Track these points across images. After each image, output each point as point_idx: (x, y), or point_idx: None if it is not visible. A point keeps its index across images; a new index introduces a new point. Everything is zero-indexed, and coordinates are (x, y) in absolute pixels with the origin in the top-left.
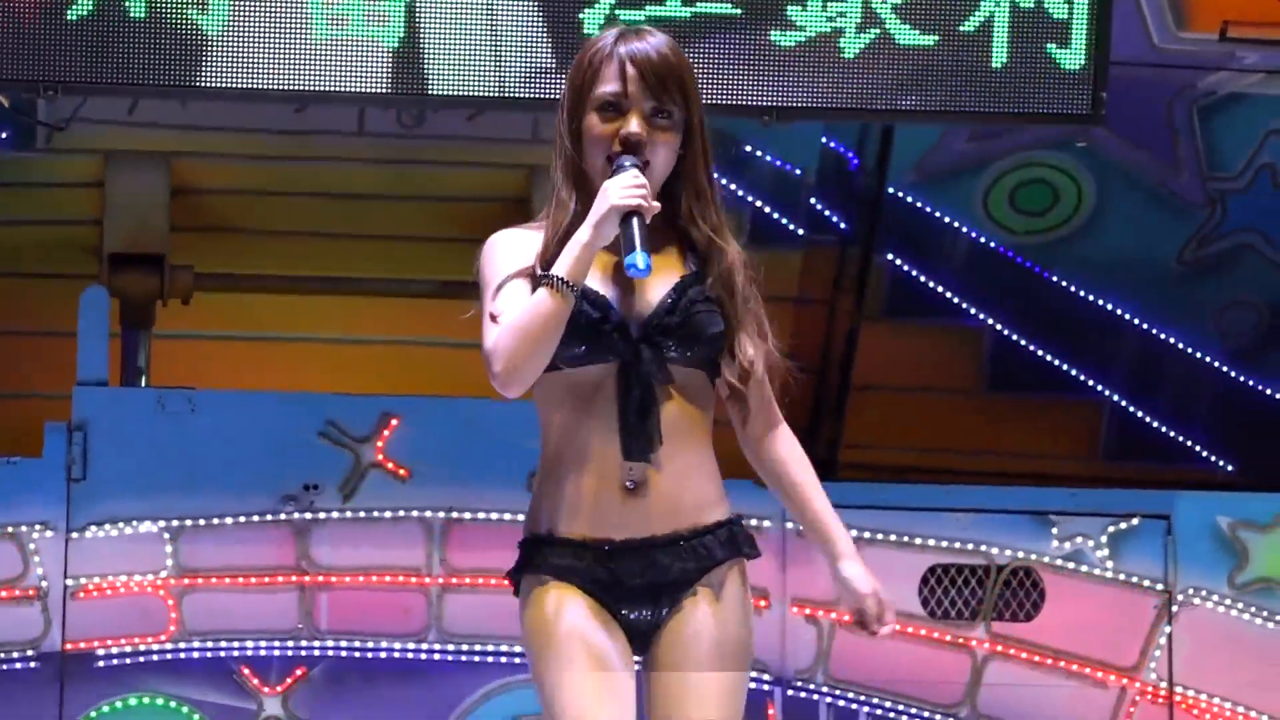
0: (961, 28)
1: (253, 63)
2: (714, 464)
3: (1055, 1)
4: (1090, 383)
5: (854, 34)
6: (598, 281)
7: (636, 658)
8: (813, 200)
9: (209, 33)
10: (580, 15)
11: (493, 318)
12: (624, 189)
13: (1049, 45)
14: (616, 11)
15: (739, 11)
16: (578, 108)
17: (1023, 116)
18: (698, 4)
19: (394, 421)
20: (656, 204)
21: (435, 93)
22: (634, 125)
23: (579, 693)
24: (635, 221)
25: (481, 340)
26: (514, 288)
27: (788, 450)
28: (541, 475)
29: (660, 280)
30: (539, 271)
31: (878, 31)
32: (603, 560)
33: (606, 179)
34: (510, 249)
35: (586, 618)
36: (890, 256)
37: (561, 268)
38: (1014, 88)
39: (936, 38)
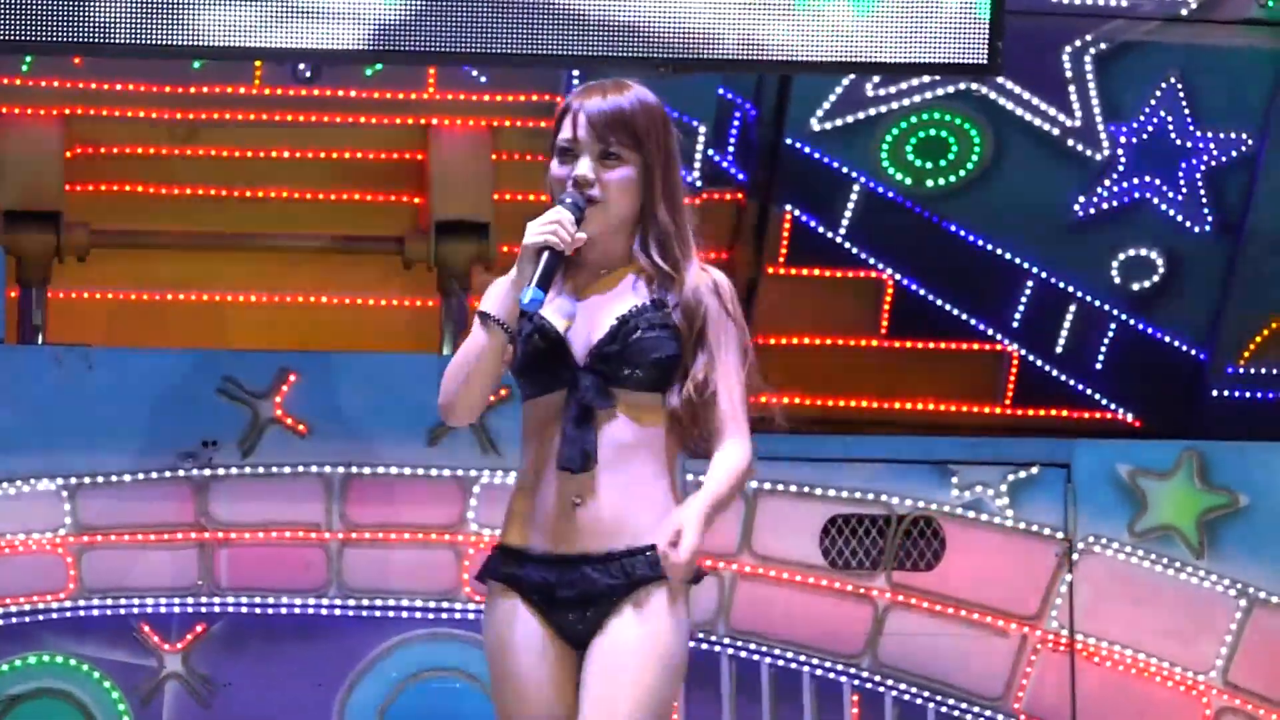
0: None
1: (151, 17)
2: (664, 484)
3: None
4: (990, 332)
5: None
6: (556, 313)
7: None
8: (710, 152)
9: None
10: None
11: None
12: (538, 225)
13: None
14: None
15: None
16: (549, 157)
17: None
18: None
19: (292, 377)
20: (581, 235)
21: (332, 47)
22: (580, 168)
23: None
24: (544, 257)
25: None
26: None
27: (717, 455)
28: (512, 492)
29: (616, 309)
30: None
31: None
32: (540, 570)
33: None
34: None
35: (528, 630)
36: (788, 207)
37: (490, 304)
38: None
39: None
